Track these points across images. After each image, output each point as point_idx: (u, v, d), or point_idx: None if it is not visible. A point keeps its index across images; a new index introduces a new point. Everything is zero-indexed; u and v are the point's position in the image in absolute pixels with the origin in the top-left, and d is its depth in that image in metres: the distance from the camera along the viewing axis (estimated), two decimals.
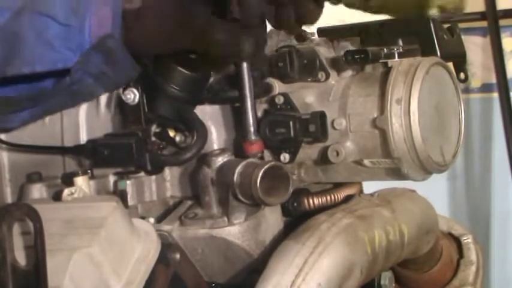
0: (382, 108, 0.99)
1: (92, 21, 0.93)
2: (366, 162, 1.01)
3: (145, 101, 1.00)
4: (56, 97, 1.00)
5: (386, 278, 1.14)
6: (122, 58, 0.95)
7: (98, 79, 0.97)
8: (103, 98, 1.08)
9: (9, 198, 1.15)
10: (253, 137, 0.99)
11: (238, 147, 1.02)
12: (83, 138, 1.09)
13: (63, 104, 1.06)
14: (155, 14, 0.95)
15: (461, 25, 1.22)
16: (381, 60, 1.02)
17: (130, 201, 1.01)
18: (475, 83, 2.59)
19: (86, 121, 1.09)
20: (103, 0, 0.94)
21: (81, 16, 0.93)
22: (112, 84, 1.01)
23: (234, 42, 0.94)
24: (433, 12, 0.97)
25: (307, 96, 1.05)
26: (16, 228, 0.77)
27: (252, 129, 0.99)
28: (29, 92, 0.99)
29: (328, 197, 1.08)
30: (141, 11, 0.95)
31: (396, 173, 1.01)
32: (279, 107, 1.03)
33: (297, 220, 1.02)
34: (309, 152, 1.04)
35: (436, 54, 1.07)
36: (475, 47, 2.51)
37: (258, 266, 0.95)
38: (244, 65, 0.97)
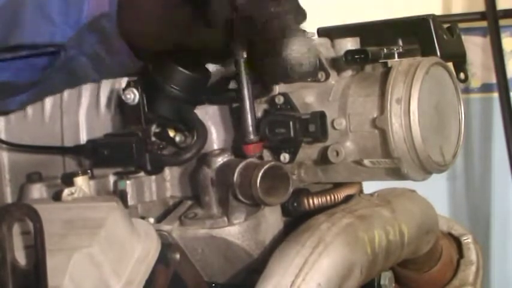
0: (382, 108, 0.99)
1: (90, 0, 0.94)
2: (366, 162, 1.01)
3: (145, 101, 1.00)
4: (52, 79, 1.01)
5: (386, 278, 1.14)
6: (116, 42, 0.95)
7: (92, 60, 0.98)
8: (103, 98, 1.08)
9: (9, 198, 1.16)
10: (252, 138, 0.99)
11: (238, 147, 1.02)
12: (83, 138, 1.09)
13: (59, 85, 1.07)
14: (148, 4, 0.95)
15: (461, 25, 1.22)
16: (380, 60, 1.02)
17: (130, 201, 1.01)
18: (475, 83, 2.59)
19: (86, 121, 1.09)
20: None
21: None
22: (107, 69, 1.02)
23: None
24: None
25: (307, 96, 1.05)
26: (16, 228, 0.77)
27: (250, 129, 0.99)
28: (27, 79, 0.99)
29: (328, 197, 1.08)
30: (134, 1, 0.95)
31: (396, 173, 1.01)
32: (278, 107, 1.03)
33: (297, 220, 1.02)
34: (309, 152, 1.04)
35: (436, 54, 1.07)
36: (475, 47, 2.51)
37: (258, 266, 0.95)
38: (242, 64, 0.97)
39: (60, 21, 0.94)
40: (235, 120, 1.05)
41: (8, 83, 1.00)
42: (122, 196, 1.00)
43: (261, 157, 1.01)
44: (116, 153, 1.01)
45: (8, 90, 1.03)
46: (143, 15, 0.95)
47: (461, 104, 1.08)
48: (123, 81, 1.05)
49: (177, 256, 0.95)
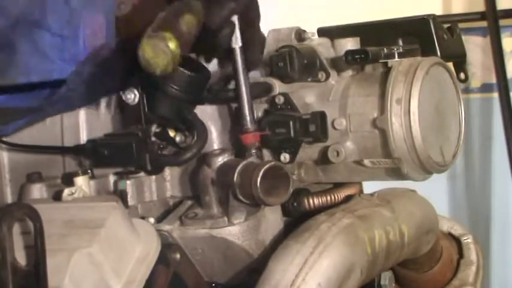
0: (382, 108, 0.99)
1: (85, 31, 0.93)
2: (366, 162, 1.01)
3: (145, 101, 1.00)
4: (49, 109, 1.01)
5: (387, 278, 1.14)
6: (116, 66, 0.95)
7: (92, 86, 0.98)
8: (103, 98, 1.08)
9: (9, 198, 1.16)
10: (249, 126, 0.99)
11: (238, 147, 1.02)
12: (83, 138, 1.09)
13: (56, 111, 1.07)
14: (144, 19, 0.95)
15: (461, 25, 1.22)
16: (381, 60, 1.03)
17: (131, 201, 1.01)
18: (475, 83, 2.58)
19: (86, 121, 1.09)
20: (95, 9, 0.94)
21: (75, 26, 0.93)
22: (106, 90, 1.02)
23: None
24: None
25: (307, 96, 1.05)
26: (16, 228, 0.77)
27: (248, 118, 0.99)
28: (26, 104, 0.99)
29: (328, 197, 1.08)
30: (130, 17, 0.95)
31: (396, 173, 1.01)
32: (279, 107, 1.03)
33: (297, 220, 1.02)
34: (309, 152, 1.04)
35: (436, 54, 1.07)
36: (475, 47, 2.51)
37: (258, 266, 0.95)
38: (238, 56, 0.97)
39: (55, 56, 0.93)
40: (235, 119, 1.05)
41: (6, 109, 1.00)
42: (122, 196, 0.99)
43: (261, 157, 1.01)
44: (116, 153, 1.01)
45: (7, 116, 1.02)
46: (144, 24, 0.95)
47: (461, 104, 1.08)
48: None
49: (177, 256, 0.95)
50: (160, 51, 0.83)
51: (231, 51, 0.97)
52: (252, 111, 0.99)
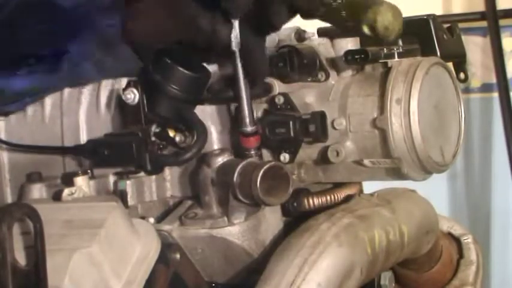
0: (382, 108, 0.99)
1: None
2: (366, 162, 1.01)
3: (145, 101, 1.00)
4: (54, 86, 1.01)
5: (387, 278, 1.14)
6: (120, 46, 0.95)
7: (96, 65, 0.98)
8: (103, 98, 1.09)
9: (9, 198, 1.16)
10: (250, 129, 0.99)
11: (238, 147, 1.02)
12: (83, 138, 1.09)
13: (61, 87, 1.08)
14: (147, 5, 0.95)
15: (461, 25, 1.22)
16: (380, 60, 1.03)
17: (131, 201, 1.01)
18: (475, 83, 2.59)
19: (86, 121, 1.09)
20: None
21: None
22: (109, 71, 1.02)
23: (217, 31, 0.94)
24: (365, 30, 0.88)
25: (307, 96, 1.05)
26: (16, 228, 0.77)
27: (248, 121, 0.99)
28: (27, 85, 0.99)
29: (328, 197, 1.08)
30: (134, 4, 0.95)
31: (396, 173, 1.01)
32: (279, 107, 1.03)
33: (297, 220, 1.02)
34: (309, 152, 1.04)
35: (436, 54, 1.07)
36: (475, 47, 2.51)
37: (258, 266, 0.95)
38: (238, 60, 0.97)
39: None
40: (235, 119, 1.05)
41: (6, 90, 1.00)
42: (122, 196, 1.00)
43: (261, 157, 1.01)
44: (116, 153, 1.01)
45: (7, 97, 1.03)
46: (149, 13, 0.95)
47: (461, 104, 1.08)
48: (123, 81, 1.05)
49: (177, 256, 0.95)
50: (398, 15, 0.86)
51: (231, 54, 0.97)
52: (252, 114, 0.99)
